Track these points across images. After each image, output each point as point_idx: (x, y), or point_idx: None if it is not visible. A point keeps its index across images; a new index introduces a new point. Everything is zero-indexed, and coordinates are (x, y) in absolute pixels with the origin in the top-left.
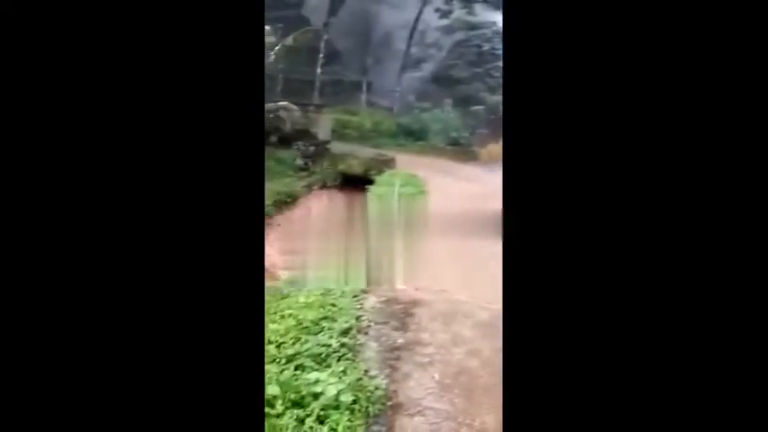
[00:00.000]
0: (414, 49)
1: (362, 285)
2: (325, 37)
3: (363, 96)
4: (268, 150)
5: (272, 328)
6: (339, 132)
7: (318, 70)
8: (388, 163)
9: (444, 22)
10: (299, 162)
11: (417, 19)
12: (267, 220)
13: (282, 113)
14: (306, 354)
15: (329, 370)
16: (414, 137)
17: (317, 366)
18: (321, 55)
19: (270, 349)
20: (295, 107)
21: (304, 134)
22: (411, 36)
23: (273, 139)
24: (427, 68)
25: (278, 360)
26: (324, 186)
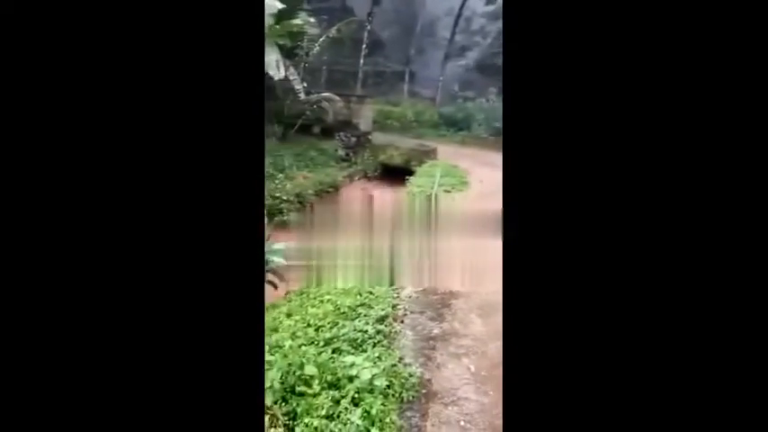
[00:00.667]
0: (458, 37)
1: (386, 285)
2: (369, 27)
3: (405, 86)
4: (310, 141)
5: (311, 311)
6: (381, 123)
7: (361, 61)
8: (429, 154)
9: (490, 8)
10: (341, 153)
11: (462, 5)
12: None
13: (325, 104)
14: (343, 338)
15: (365, 354)
16: (456, 127)
17: (353, 351)
18: (364, 45)
19: (309, 332)
20: (337, 98)
21: (346, 125)
22: (456, 23)
23: (316, 129)
24: (471, 57)
25: (316, 342)
26: (364, 177)
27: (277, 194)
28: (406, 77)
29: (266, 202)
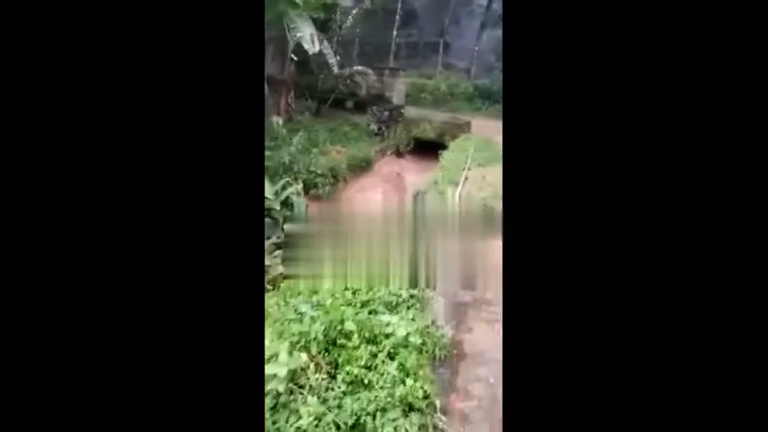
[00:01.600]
0: (496, 5)
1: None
2: None
3: (440, 58)
4: (344, 115)
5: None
6: (414, 96)
7: (394, 33)
8: (462, 127)
9: None
10: (373, 127)
11: None
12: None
13: (358, 78)
14: (378, 301)
15: (400, 315)
16: (492, 99)
17: (388, 313)
18: (397, 16)
19: (346, 294)
20: (370, 71)
21: (379, 99)
22: None
23: (349, 104)
24: None
25: (353, 304)
26: (397, 151)
27: (312, 169)
28: (441, 49)
29: (302, 177)
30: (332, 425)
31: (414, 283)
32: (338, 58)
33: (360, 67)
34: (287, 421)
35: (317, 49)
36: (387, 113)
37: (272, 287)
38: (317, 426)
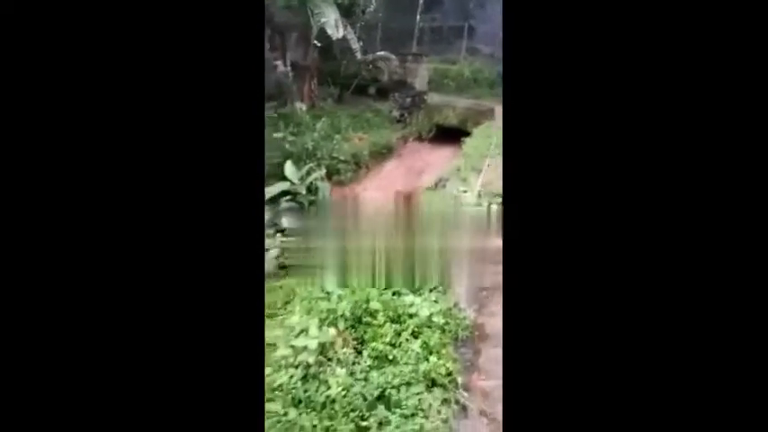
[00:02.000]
0: None
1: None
2: None
3: (464, 43)
4: (366, 102)
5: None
6: (437, 82)
7: (417, 17)
8: (485, 114)
9: None
10: (395, 114)
11: None
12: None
13: (381, 64)
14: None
15: (423, 296)
16: None
17: (411, 294)
18: (421, 1)
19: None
20: (393, 57)
21: (401, 85)
22: None
23: (372, 90)
24: None
25: (377, 286)
26: (419, 138)
27: (335, 155)
28: (465, 34)
29: (325, 162)
30: (359, 395)
31: (430, 280)
32: (361, 43)
33: (382, 53)
34: (317, 390)
35: (340, 34)
36: (409, 100)
37: None
38: (344, 396)
